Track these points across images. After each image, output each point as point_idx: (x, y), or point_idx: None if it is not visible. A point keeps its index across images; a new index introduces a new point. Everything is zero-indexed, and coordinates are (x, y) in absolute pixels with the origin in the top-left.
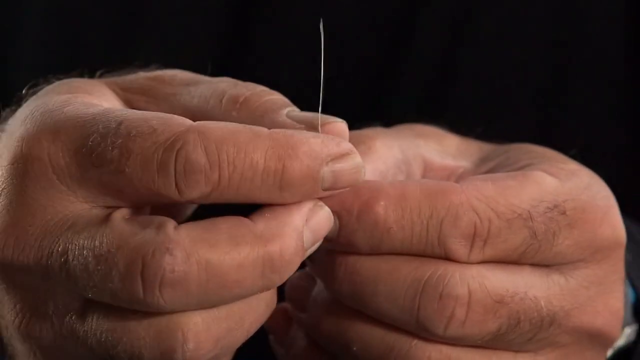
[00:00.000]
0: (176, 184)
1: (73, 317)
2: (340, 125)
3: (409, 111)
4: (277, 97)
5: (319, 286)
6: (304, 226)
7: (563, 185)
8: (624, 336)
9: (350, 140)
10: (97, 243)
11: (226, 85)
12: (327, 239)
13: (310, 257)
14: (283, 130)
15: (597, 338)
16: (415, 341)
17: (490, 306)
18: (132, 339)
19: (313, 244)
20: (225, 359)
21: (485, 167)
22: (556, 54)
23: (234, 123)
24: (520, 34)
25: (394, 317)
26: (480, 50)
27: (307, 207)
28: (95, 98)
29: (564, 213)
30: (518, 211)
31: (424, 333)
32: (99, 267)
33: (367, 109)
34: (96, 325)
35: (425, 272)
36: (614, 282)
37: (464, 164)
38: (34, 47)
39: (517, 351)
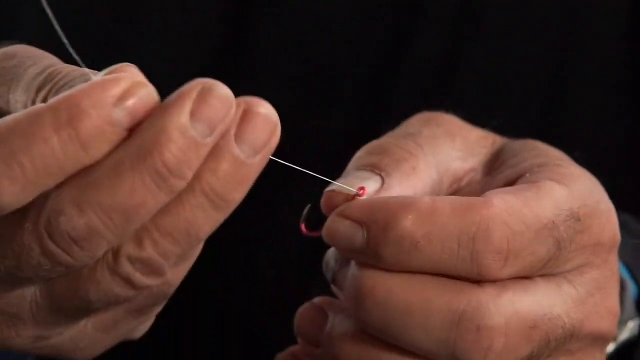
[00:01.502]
0: None
1: None
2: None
3: (410, 110)
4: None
5: (334, 319)
6: (190, 118)
7: (572, 191)
8: (628, 330)
9: (392, 156)
10: None
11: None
12: (356, 250)
13: (338, 286)
14: (59, 95)
15: (600, 339)
16: None
17: (525, 332)
18: (99, 285)
19: (212, 130)
20: (184, 251)
21: (495, 166)
22: (557, 54)
23: (10, 117)
24: (522, 33)
25: (427, 349)
26: (482, 49)
27: (182, 104)
28: None
29: (579, 220)
30: (544, 221)
31: None
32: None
33: (368, 107)
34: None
35: (461, 303)
36: (612, 285)
37: (477, 162)
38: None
39: None
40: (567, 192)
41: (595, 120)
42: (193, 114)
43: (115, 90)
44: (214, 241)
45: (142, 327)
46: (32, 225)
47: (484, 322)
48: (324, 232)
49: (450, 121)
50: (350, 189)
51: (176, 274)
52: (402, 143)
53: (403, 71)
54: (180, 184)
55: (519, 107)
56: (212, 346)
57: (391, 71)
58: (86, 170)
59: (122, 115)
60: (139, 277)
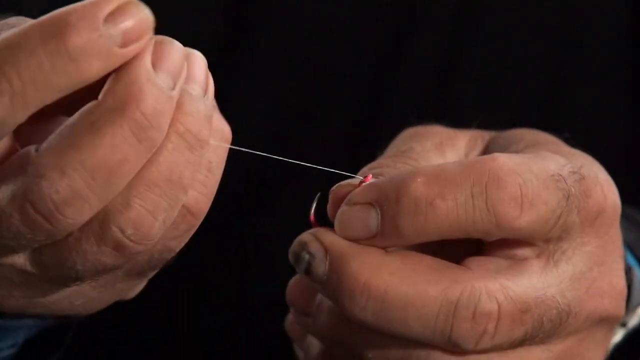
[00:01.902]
0: None
1: None
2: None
3: (409, 111)
4: None
5: None
6: (154, 71)
7: (571, 158)
8: (637, 316)
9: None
10: None
11: None
12: (372, 233)
13: (323, 283)
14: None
15: (605, 318)
16: (435, 350)
17: (517, 316)
18: (87, 255)
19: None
20: (174, 213)
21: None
22: (557, 54)
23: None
24: (522, 33)
25: (421, 338)
26: (482, 49)
27: (145, 56)
28: None
29: (582, 178)
30: (550, 172)
31: (451, 349)
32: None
33: (368, 107)
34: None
35: (456, 291)
36: (615, 261)
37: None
38: None
39: (530, 345)
40: (565, 158)
41: (595, 120)
42: (156, 67)
43: (106, 6)
44: (214, 247)
45: (136, 288)
46: (11, 193)
47: (479, 310)
48: (337, 225)
49: (437, 132)
50: (355, 178)
51: (176, 240)
52: (398, 164)
53: (403, 71)
54: (159, 137)
55: (519, 107)
56: (213, 349)
57: (391, 71)
58: (64, 133)
59: (114, 32)
60: (128, 244)
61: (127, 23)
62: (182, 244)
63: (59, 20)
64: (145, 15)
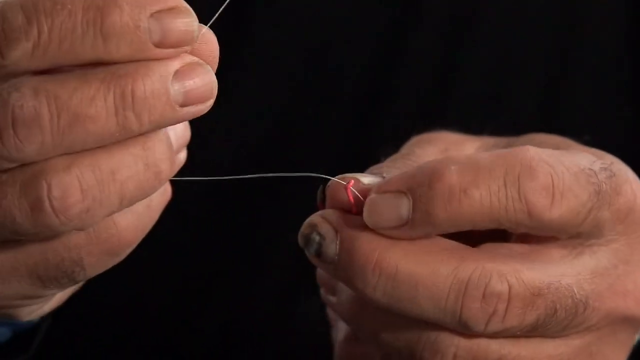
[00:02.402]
0: None
1: None
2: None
3: (408, 110)
4: None
5: None
6: (172, 76)
7: (599, 155)
8: None
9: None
10: None
11: None
12: (403, 221)
13: (334, 264)
14: None
15: (629, 319)
16: (455, 340)
17: (528, 299)
18: (1, 201)
19: (184, 102)
20: (101, 212)
21: None
22: (557, 53)
23: None
24: (521, 32)
25: (432, 317)
26: (481, 48)
27: (179, 59)
28: None
29: (613, 175)
30: (581, 166)
31: (462, 330)
32: None
33: (367, 105)
34: None
35: (467, 271)
36: None
37: None
38: None
39: (546, 337)
40: (595, 156)
41: (595, 120)
42: (177, 76)
43: (156, 3)
44: (214, 247)
45: (34, 305)
46: None
47: (489, 290)
48: (366, 213)
49: (443, 138)
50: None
51: (92, 257)
52: (397, 165)
53: (402, 70)
54: (133, 126)
55: (518, 107)
56: (213, 350)
57: (390, 70)
58: (60, 69)
59: (154, 27)
60: (47, 207)
61: (169, 24)
62: (97, 268)
63: None
64: (190, 27)
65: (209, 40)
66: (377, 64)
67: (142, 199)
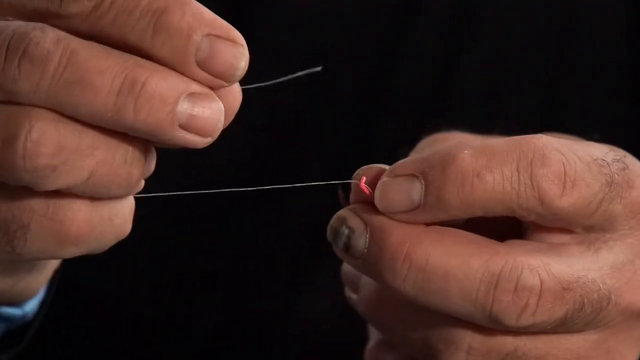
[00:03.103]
0: None
1: None
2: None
3: (408, 113)
4: None
5: None
6: (188, 94)
7: (611, 147)
8: None
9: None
10: None
11: None
12: (414, 205)
13: (363, 258)
14: None
15: None
16: (470, 331)
17: (558, 293)
18: None
19: (185, 124)
20: (65, 179)
21: None
22: (557, 53)
23: None
24: (522, 31)
25: (462, 312)
26: (481, 48)
27: (202, 86)
28: None
29: (626, 168)
30: (594, 157)
31: (490, 325)
32: None
33: (367, 105)
34: None
35: (498, 264)
36: None
37: None
38: None
39: (567, 332)
40: (609, 147)
41: (595, 121)
42: (192, 98)
43: (220, 27)
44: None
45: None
46: None
47: (521, 283)
48: (377, 197)
49: (453, 138)
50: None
51: (35, 244)
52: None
53: (402, 70)
54: (127, 115)
55: (518, 106)
56: (213, 350)
57: (390, 70)
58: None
59: (204, 45)
60: (20, 145)
61: (223, 52)
62: (36, 246)
63: None
64: (240, 54)
65: (235, 95)
66: (377, 64)
67: (105, 193)
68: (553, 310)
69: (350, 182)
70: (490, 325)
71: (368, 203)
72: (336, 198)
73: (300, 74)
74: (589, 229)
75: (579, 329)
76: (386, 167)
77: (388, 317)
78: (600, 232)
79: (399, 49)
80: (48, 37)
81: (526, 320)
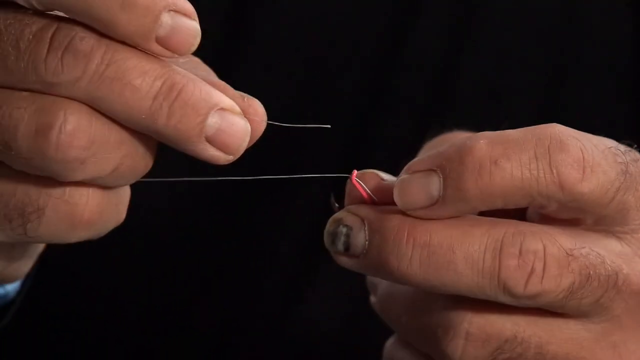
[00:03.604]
0: None
1: None
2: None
3: (408, 113)
4: None
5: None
6: (217, 106)
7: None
8: None
9: None
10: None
11: None
12: (434, 199)
13: (365, 252)
14: None
15: None
16: (468, 317)
17: (563, 259)
18: (11, 108)
19: (212, 137)
20: (92, 170)
21: None
22: (557, 52)
23: None
24: (521, 34)
25: (472, 285)
26: (481, 48)
27: (230, 101)
28: None
29: (638, 160)
30: (608, 145)
31: (501, 297)
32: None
33: (367, 105)
34: None
35: (500, 231)
36: None
37: None
38: None
39: (572, 317)
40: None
41: (595, 120)
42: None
43: (182, 3)
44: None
45: None
46: None
47: (525, 247)
48: (396, 194)
49: (461, 137)
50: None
51: (42, 225)
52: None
53: (402, 70)
54: (159, 119)
55: (518, 106)
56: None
57: (390, 70)
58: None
59: (167, 20)
60: (52, 136)
61: (183, 26)
62: (49, 229)
63: None
64: (197, 33)
65: (260, 123)
66: (378, 65)
67: (123, 184)
68: (560, 278)
69: (343, 179)
70: (502, 296)
71: (361, 203)
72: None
73: (311, 126)
74: (600, 221)
75: (585, 311)
76: (381, 173)
77: (396, 310)
78: (610, 225)
79: (399, 49)
80: (93, 34)
81: (534, 287)
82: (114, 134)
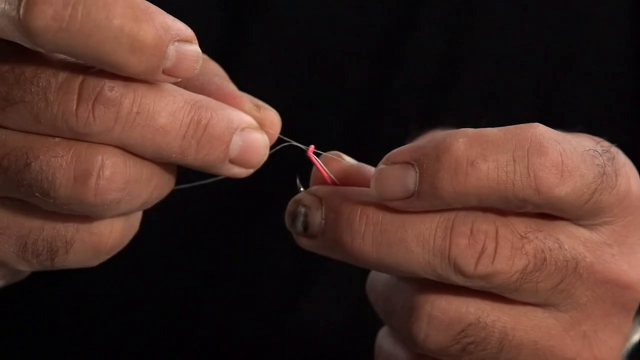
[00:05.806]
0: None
1: None
2: (273, 113)
3: (409, 111)
4: None
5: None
6: (238, 129)
7: (596, 138)
8: None
9: None
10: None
11: None
12: (409, 192)
13: (321, 231)
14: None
15: (621, 300)
16: (430, 299)
17: (516, 241)
18: (47, 157)
19: (237, 157)
20: (125, 208)
21: None
22: (558, 51)
23: None
24: (522, 33)
25: (423, 262)
26: (482, 46)
27: (249, 119)
28: None
29: (613, 158)
30: (586, 147)
31: (453, 276)
32: (38, 73)
33: (368, 102)
34: (8, 139)
35: (453, 211)
36: (637, 243)
37: None
38: None
39: (538, 305)
40: (592, 139)
41: (595, 120)
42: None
43: (184, 32)
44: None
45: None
46: None
47: (476, 226)
48: (373, 184)
49: None
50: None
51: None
52: None
53: (403, 68)
54: (189, 155)
55: (519, 105)
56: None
57: (391, 68)
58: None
59: (172, 50)
60: (92, 183)
61: (188, 53)
62: (77, 258)
63: (146, 10)
64: (200, 57)
65: (274, 126)
66: (378, 63)
67: (148, 207)
68: (512, 259)
69: (304, 152)
70: (453, 277)
71: (323, 184)
72: None
73: (296, 144)
74: (575, 219)
75: (546, 297)
76: (343, 155)
77: (374, 295)
78: (582, 220)
79: (400, 47)
80: (119, 83)
81: (485, 267)
82: (145, 171)
